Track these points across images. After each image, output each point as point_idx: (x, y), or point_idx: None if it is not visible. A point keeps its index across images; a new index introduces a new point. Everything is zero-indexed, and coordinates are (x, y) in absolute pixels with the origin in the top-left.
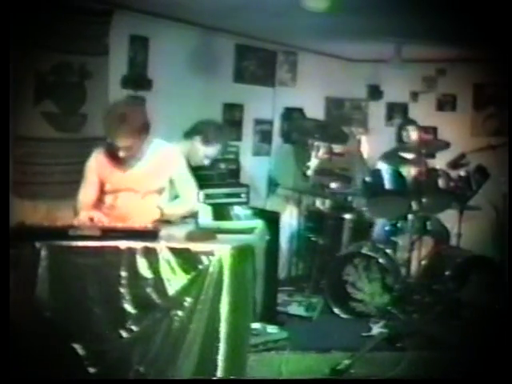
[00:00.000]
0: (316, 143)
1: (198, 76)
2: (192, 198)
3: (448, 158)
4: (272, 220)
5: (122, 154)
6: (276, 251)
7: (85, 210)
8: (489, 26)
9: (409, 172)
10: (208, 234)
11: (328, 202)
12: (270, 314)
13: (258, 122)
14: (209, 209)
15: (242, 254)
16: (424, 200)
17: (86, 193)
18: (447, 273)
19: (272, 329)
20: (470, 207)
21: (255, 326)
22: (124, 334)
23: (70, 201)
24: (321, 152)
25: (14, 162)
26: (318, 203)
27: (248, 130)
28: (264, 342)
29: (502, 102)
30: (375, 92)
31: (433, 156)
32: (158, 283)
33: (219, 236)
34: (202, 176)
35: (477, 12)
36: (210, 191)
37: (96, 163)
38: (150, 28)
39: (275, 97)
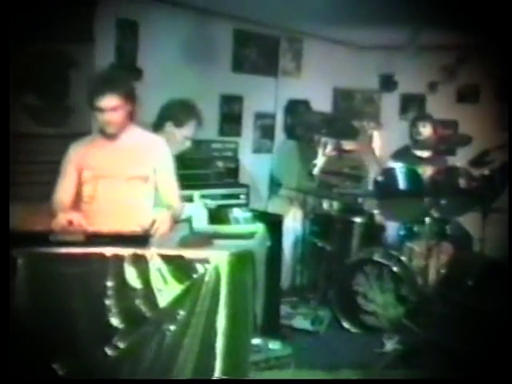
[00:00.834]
0: (323, 139)
1: (193, 65)
2: (174, 200)
3: (470, 155)
4: (274, 224)
5: (105, 118)
6: (278, 258)
7: (62, 212)
8: None
9: (425, 170)
10: (203, 240)
11: (336, 204)
12: (273, 328)
13: (259, 115)
14: (204, 211)
15: (241, 261)
16: (443, 201)
17: (64, 190)
18: (469, 282)
19: (274, 344)
20: (494, 209)
21: (256, 341)
22: (109, 351)
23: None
24: (328, 149)
25: None
26: (325, 205)
27: (248, 124)
28: (266, 359)
29: None
30: (388, 82)
31: (453, 153)
32: (148, 294)
33: (216, 241)
34: (197, 175)
35: None
36: (206, 192)
37: (74, 154)
38: (139, 11)
39: (278, 88)
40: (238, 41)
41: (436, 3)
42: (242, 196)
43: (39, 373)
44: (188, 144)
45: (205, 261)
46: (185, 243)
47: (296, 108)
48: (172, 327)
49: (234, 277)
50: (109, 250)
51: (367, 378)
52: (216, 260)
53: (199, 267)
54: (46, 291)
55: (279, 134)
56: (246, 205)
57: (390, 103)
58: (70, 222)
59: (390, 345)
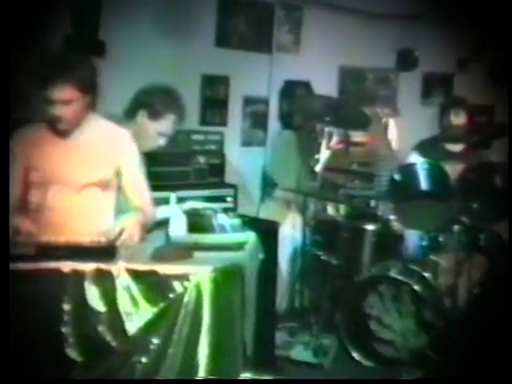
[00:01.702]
0: (327, 129)
1: (168, 39)
2: (144, 203)
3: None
4: (268, 232)
5: (55, 111)
6: (273, 274)
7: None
8: None
9: (454, 167)
10: (182, 252)
11: (343, 208)
12: (266, 361)
13: (249, 100)
14: (182, 217)
15: (228, 278)
16: (475, 205)
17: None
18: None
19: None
20: None
21: (246, 376)
22: None
23: None
24: (333, 141)
25: None
26: (330, 210)
27: (235, 111)
28: None
29: None
30: (407, 59)
31: (487, 146)
32: (115, 319)
33: (197, 254)
34: (174, 173)
35: None
36: (185, 194)
37: (18, 147)
38: None
39: (272, 66)
40: (222, 9)
41: None
42: (228, 198)
43: None
44: (161, 142)
45: (183, 278)
46: (159, 256)
47: (294, 91)
48: (144, 359)
49: (219, 297)
50: (66, 265)
51: None
52: (197, 277)
53: (177, 286)
54: None
55: (273, 122)
56: (233, 209)
57: (409, 85)
58: (17, 231)
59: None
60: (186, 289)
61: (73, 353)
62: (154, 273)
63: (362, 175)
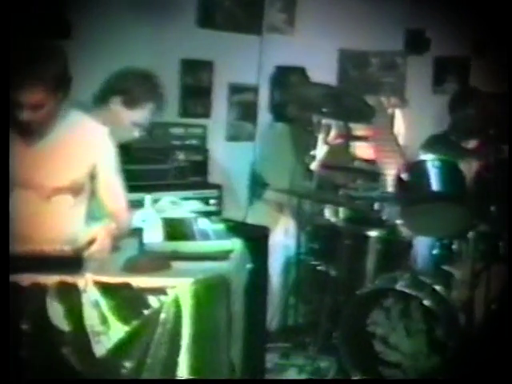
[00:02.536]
0: (325, 121)
1: (143, 17)
2: (118, 208)
3: None
4: (257, 239)
5: (23, 116)
6: (263, 287)
7: None
8: None
9: (470, 165)
10: (158, 262)
11: (343, 212)
12: None
13: (236, 88)
14: (159, 222)
15: (211, 291)
16: (493, 208)
17: None
18: None
19: None
20: None
21: None
22: None
23: None
24: (332, 135)
25: None
26: (328, 213)
27: (220, 101)
28: None
29: None
30: (417, 41)
31: (506, 139)
32: (81, 340)
33: (175, 264)
34: (150, 172)
35: None
36: (162, 195)
37: None
38: None
39: (262, 50)
40: None
41: None
42: (212, 200)
43: None
44: (136, 134)
45: (160, 291)
46: (132, 267)
47: (287, 78)
48: None
49: (201, 314)
50: (24, 278)
51: None
52: (176, 290)
53: (152, 301)
54: None
55: (264, 114)
56: (217, 213)
57: (419, 70)
58: None
59: None
60: (162, 304)
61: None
62: (126, 286)
63: (364, 174)
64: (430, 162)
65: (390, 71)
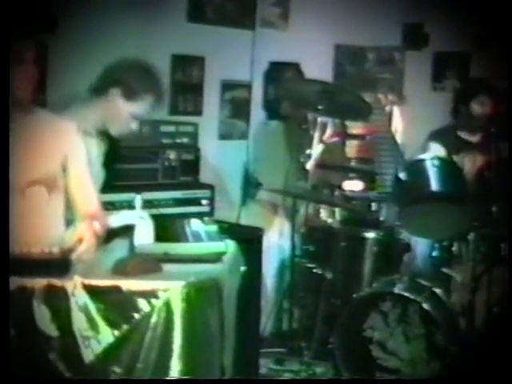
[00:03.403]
0: (320, 119)
1: (133, 12)
2: (91, 206)
3: None
4: (250, 241)
5: None
6: (257, 290)
7: None
8: None
9: (472, 163)
10: (149, 265)
11: (339, 213)
12: None
13: (228, 85)
14: (149, 223)
15: (203, 294)
16: (495, 209)
17: None
18: None
19: None
20: None
21: None
22: None
23: None
24: (328, 133)
25: None
26: (324, 214)
27: (212, 98)
28: None
29: None
30: (416, 35)
31: (507, 138)
32: (69, 345)
33: (166, 267)
34: (140, 171)
35: None
36: (152, 196)
37: None
38: None
39: (255, 45)
40: None
41: None
42: (204, 201)
43: None
44: (134, 126)
45: (151, 295)
46: (122, 269)
47: (281, 74)
48: None
49: (193, 317)
50: (11, 282)
51: None
52: (167, 293)
53: (143, 304)
54: None
55: (257, 111)
56: (209, 213)
57: (417, 66)
58: None
59: None
60: (153, 308)
61: None
62: (115, 289)
63: (361, 173)
64: (429, 160)
65: (388, 67)
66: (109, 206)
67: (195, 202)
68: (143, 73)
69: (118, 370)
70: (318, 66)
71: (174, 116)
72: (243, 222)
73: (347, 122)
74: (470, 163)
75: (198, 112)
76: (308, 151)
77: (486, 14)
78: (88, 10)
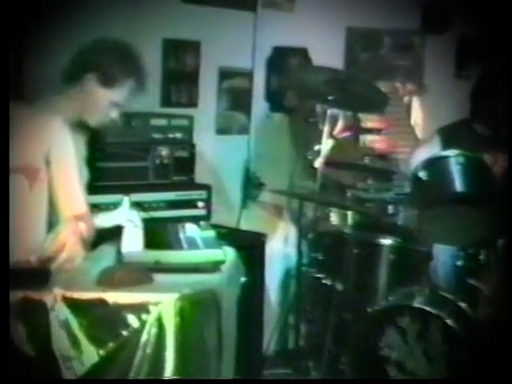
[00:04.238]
0: (330, 111)
1: None
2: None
3: None
4: (252, 248)
5: None
6: (259, 303)
7: None
8: None
9: (497, 160)
10: (138, 275)
11: (351, 216)
12: None
13: (227, 73)
14: (139, 228)
15: (199, 308)
16: None
17: None
18: None
19: None
20: None
21: None
22: None
23: None
24: (339, 127)
25: None
26: (334, 218)
27: (209, 87)
28: None
29: None
30: (437, 17)
31: None
32: (48, 366)
33: (158, 277)
34: (128, 170)
35: None
36: (142, 197)
37: None
38: None
39: (258, 28)
40: None
41: None
42: (200, 203)
43: None
44: (115, 115)
45: (141, 309)
46: (108, 280)
47: (287, 61)
48: None
49: (188, 334)
50: None
51: None
52: (159, 307)
53: (132, 319)
54: None
55: (259, 103)
56: (206, 217)
57: (439, 52)
58: None
59: None
60: (143, 324)
61: None
62: (100, 303)
63: (376, 172)
64: (453, 157)
65: (406, 53)
66: (93, 210)
67: (190, 204)
68: (121, 55)
69: None
70: (327, 52)
71: (166, 108)
72: (244, 226)
73: (360, 115)
74: (493, 162)
75: (192, 103)
76: (316, 147)
77: None
78: None
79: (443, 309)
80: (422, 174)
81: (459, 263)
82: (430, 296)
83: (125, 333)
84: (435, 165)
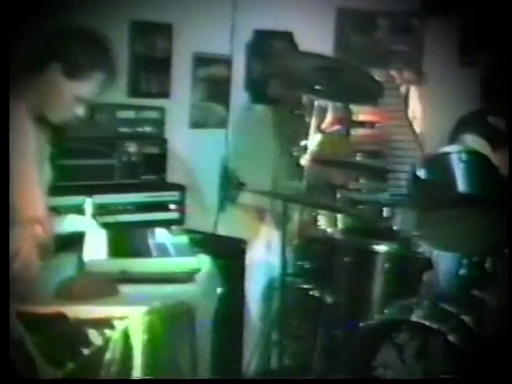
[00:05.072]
0: (318, 102)
1: None
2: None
3: None
4: (230, 255)
5: None
6: (238, 317)
7: None
8: None
9: (504, 153)
10: (102, 286)
11: (342, 220)
12: None
13: (203, 59)
14: (103, 234)
15: (170, 323)
16: None
17: None
18: None
19: None
20: None
21: None
22: None
23: None
24: (328, 120)
25: None
26: (323, 221)
27: (182, 75)
28: None
29: None
30: None
31: None
32: None
33: (124, 288)
34: (92, 168)
35: None
36: (107, 199)
37: None
38: None
39: (237, 9)
40: None
41: None
42: (172, 205)
43: None
44: (81, 111)
45: (104, 324)
46: (68, 292)
47: (269, 46)
48: None
49: (158, 352)
50: None
51: None
52: (125, 322)
53: (94, 336)
54: None
55: (239, 93)
56: (179, 221)
57: (441, 36)
58: None
59: None
60: (107, 341)
61: None
62: (59, 318)
63: (369, 171)
64: (456, 154)
65: (404, 37)
66: (52, 212)
67: (161, 206)
68: (89, 43)
69: None
70: (315, 36)
71: (135, 99)
72: (221, 231)
73: (352, 106)
74: (505, 158)
75: (164, 94)
76: (303, 143)
77: None
78: None
79: (445, 323)
80: (421, 173)
81: (463, 272)
82: (430, 309)
83: (86, 351)
84: (435, 162)
